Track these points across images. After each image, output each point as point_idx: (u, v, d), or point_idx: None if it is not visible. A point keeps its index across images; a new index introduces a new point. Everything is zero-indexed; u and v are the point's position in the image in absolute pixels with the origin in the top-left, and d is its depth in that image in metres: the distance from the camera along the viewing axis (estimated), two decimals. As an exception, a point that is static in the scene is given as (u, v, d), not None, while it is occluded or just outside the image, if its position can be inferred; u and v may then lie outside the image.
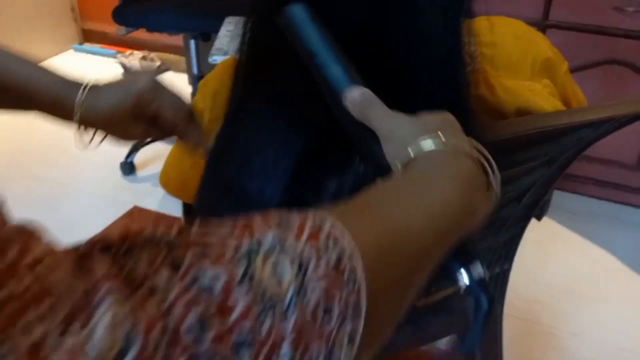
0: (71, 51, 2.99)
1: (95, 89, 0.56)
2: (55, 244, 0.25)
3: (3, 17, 2.62)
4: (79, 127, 0.57)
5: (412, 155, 0.38)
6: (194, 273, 0.25)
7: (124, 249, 0.27)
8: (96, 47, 2.98)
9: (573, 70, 1.77)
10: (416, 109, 0.42)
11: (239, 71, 0.59)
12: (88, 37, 3.04)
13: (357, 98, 0.41)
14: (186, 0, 1.80)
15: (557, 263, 1.56)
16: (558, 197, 1.81)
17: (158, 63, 2.74)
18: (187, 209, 1.02)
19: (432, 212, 0.35)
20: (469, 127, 0.54)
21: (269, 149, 0.54)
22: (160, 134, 0.58)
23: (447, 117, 0.42)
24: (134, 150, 1.97)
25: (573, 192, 1.82)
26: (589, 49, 1.59)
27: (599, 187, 1.77)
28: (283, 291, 0.25)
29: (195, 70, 1.94)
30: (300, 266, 0.26)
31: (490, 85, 0.61)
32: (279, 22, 0.46)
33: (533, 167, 0.68)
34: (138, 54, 2.74)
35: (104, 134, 0.59)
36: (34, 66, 0.56)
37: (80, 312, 0.21)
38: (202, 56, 1.89)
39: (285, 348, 0.24)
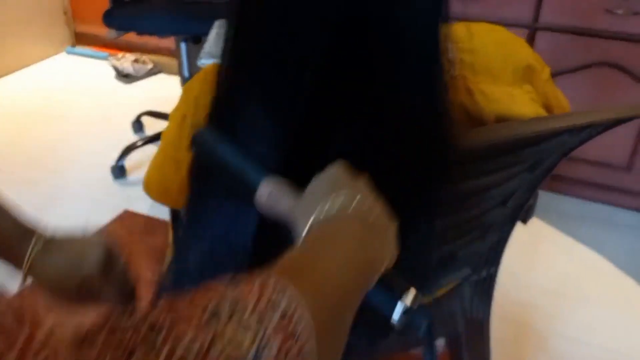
0: (64, 54, 2.99)
1: (47, 247, 0.57)
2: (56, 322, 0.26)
3: (-6, 20, 2.62)
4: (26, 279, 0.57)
5: (303, 236, 0.44)
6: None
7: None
8: (88, 49, 2.98)
9: (563, 72, 1.78)
10: (394, 115, 0.42)
11: (221, 77, 0.58)
12: (80, 39, 3.03)
13: (264, 198, 0.49)
14: (175, 4, 1.80)
15: (547, 265, 1.56)
16: (549, 200, 1.82)
17: (150, 65, 2.73)
18: (175, 214, 1.02)
19: (337, 267, 0.41)
20: (447, 134, 0.54)
21: (255, 149, 0.54)
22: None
23: (335, 176, 0.47)
24: (124, 154, 1.96)
25: (564, 194, 1.83)
26: (580, 51, 1.60)
27: (589, 189, 1.78)
28: (245, 351, 0.28)
29: (186, 72, 1.94)
30: (258, 323, 0.29)
31: (470, 91, 0.61)
32: (192, 148, 0.54)
33: (515, 172, 0.68)
34: (130, 56, 2.74)
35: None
36: None
37: None
38: (193, 59, 1.89)
39: None
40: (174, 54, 2.62)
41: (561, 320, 1.39)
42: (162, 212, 1.71)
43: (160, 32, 1.83)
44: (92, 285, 0.58)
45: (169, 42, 2.68)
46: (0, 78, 2.66)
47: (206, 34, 1.42)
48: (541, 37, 1.63)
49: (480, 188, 0.67)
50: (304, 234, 0.44)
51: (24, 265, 0.55)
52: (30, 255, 0.55)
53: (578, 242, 1.65)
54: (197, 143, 0.54)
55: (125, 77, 2.68)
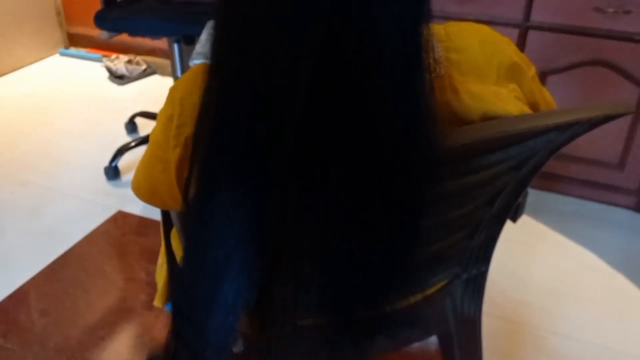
0: (57, 55, 2.98)
1: None
2: None
3: (-13, 22, 2.61)
4: None
5: None
6: None
7: None
8: (82, 51, 2.97)
9: (555, 71, 1.79)
10: (377, 114, 0.42)
11: (211, 77, 0.59)
12: (74, 41, 3.03)
13: None
14: (168, 5, 1.79)
15: (541, 263, 1.57)
16: (541, 198, 1.82)
17: (144, 66, 2.73)
18: (165, 214, 1.02)
19: None
20: (430, 134, 0.55)
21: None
22: None
23: None
24: (118, 155, 1.96)
25: (556, 192, 1.83)
26: (571, 50, 1.60)
27: (581, 187, 1.79)
28: None
29: (179, 73, 1.94)
30: None
31: (456, 90, 0.61)
32: None
33: (503, 170, 0.68)
34: (124, 57, 2.73)
35: None
36: None
37: None
38: (186, 59, 1.89)
39: None
40: (168, 55, 2.62)
41: (554, 318, 1.39)
42: (156, 213, 1.72)
43: (153, 33, 1.83)
44: None
45: (162, 43, 2.68)
46: (-6, 80, 2.66)
47: (199, 34, 1.42)
48: (532, 37, 1.63)
49: (467, 187, 0.67)
50: None
51: None
52: None
53: (571, 240, 1.65)
54: None
55: (118, 78, 2.68)
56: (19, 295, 1.45)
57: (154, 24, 1.74)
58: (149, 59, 2.80)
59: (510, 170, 0.69)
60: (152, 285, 1.46)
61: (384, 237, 0.60)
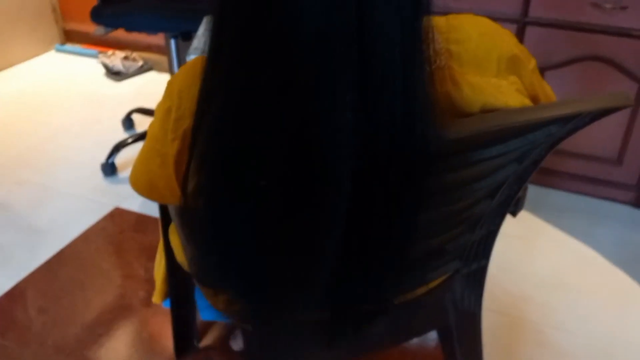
0: (53, 52, 2.97)
1: None
2: None
3: (-18, 18, 2.59)
4: None
5: None
6: None
7: None
8: (78, 47, 2.96)
9: (553, 67, 1.79)
10: (372, 106, 0.42)
11: (207, 70, 0.58)
12: (70, 37, 3.01)
13: None
14: (164, 1, 1.78)
15: (540, 258, 1.57)
16: (540, 193, 1.82)
17: (140, 63, 2.72)
18: (163, 209, 1.01)
19: None
20: (429, 125, 0.54)
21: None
22: None
23: None
24: (115, 151, 1.95)
25: (554, 187, 1.84)
26: (569, 45, 1.60)
27: (580, 182, 1.79)
28: None
29: (176, 69, 1.93)
30: None
31: (456, 82, 0.61)
32: None
33: (503, 163, 0.68)
34: (120, 53, 2.72)
35: None
36: None
37: None
38: (183, 55, 1.88)
39: None
40: (164, 50, 2.61)
41: (553, 312, 1.39)
42: (153, 210, 1.71)
43: (149, 29, 1.82)
44: None
45: (159, 39, 2.66)
46: (-11, 77, 2.65)
47: (196, 30, 1.42)
48: (530, 32, 1.63)
49: (467, 180, 0.67)
50: None
51: None
52: None
53: (569, 235, 1.65)
54: None
55: (115, 74, 2.66)
56: (17, 293, 1.44)
57: (150, 19, 1.73)
58: (146, 55, 2.79)
59: (510, 163, 0.68)
60: (150, 282, 1.46)
61: (383, 230, 0.60)
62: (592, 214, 1.74)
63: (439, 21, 0.64)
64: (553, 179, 1.82)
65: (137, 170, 0.72)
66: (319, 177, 0.54)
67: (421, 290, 0.85)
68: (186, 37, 1.80)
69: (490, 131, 0.58)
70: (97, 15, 1.76)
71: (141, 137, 2.03)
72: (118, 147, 1.96)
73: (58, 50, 2.96)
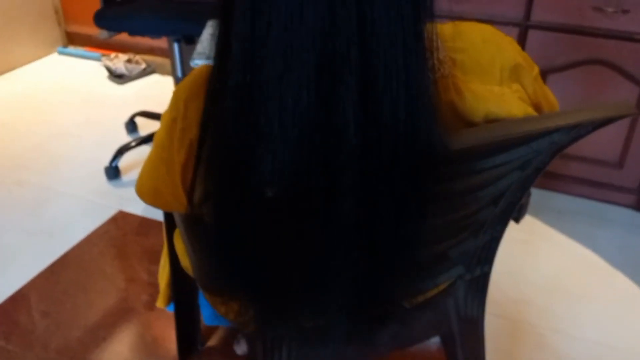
0: (55, 54, 2.97)
1: None
2: None
3: (-15, 21, 2.60)
4: None
5: None
6: None
7: None
8: (81, 50, 2.96)
9: (555, 70, 1.79)
10: (376, 115, 0.42)
11: (213, 76, 0.58)
12: (72, 40, 3.02)
13: None
14: (167, 4, 1.79)
15: (542, 262, 1.57)
16: (543, 197, 1.83)
17: (143, 66, 2.72)
18: (168, 215, 1.02)
19: None
20: (433, 133, 0.55)
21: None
22: None
23: None
24: (118, 155, 1.95)
25: (557, 191, 1.84)
26: (571, 49, 1.60)
27: (582, 186, 1.79)
28: None
29: (179, 73, 1.94)
30: None
31: (459, 90, 0.61)
32: None
33: (506, 171, 0.68)
34: (123, 56, 2.73)
35: None
36: None
37: None
38: (186, 59, 1.89)
39: None
40: (167, 53, 2.61)
41: (556, 316, 1.39)
42: (156, 213, 1.71)
43: (153, 33, 1.82)
44: None
45: (162, 42, 2.67)
46: (-8, 79, 2.66)
47: (199, 34, 1.42)
48: (532, 36, 1.63)
49: (471, 188, 0.67)
50: None
51: None
52: None
53: (571, 239, 1.66)
54: None
55: (118, 77, 2.67)
56: (20, 297, 1.45)
57: (153, 23, 1.73)
58: (149, 58, 2.79)
59: (513, 171, 0.69)
60: (153, 285, 1.46)
61: (387, 237, 0.60)
62: (593, 217, 1.74)
63: (444, 29, 0.64)
64: (554, 182, 1.82)
65: (144, 178, 0.73)
66: (326, 183, 0.54)
67: (424, 296, 0.85)
68: (189, 40, 1.80)
69: (494, 141, 0.58)
70: (100, 19, 1.77)
71: (144, 140, 2.04)
72: (122, 151, 1.96)
73: (60, 53, 2.97)
